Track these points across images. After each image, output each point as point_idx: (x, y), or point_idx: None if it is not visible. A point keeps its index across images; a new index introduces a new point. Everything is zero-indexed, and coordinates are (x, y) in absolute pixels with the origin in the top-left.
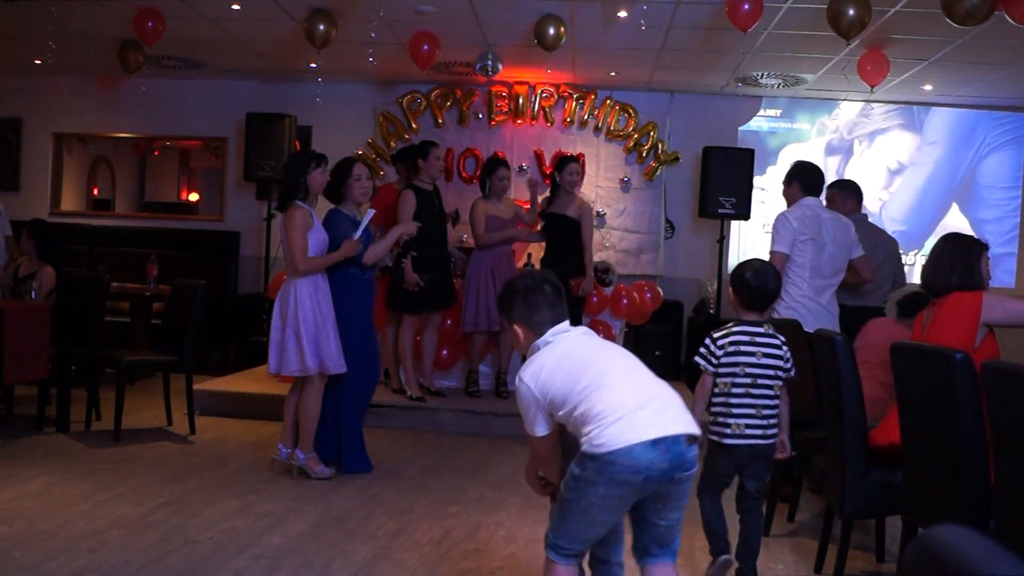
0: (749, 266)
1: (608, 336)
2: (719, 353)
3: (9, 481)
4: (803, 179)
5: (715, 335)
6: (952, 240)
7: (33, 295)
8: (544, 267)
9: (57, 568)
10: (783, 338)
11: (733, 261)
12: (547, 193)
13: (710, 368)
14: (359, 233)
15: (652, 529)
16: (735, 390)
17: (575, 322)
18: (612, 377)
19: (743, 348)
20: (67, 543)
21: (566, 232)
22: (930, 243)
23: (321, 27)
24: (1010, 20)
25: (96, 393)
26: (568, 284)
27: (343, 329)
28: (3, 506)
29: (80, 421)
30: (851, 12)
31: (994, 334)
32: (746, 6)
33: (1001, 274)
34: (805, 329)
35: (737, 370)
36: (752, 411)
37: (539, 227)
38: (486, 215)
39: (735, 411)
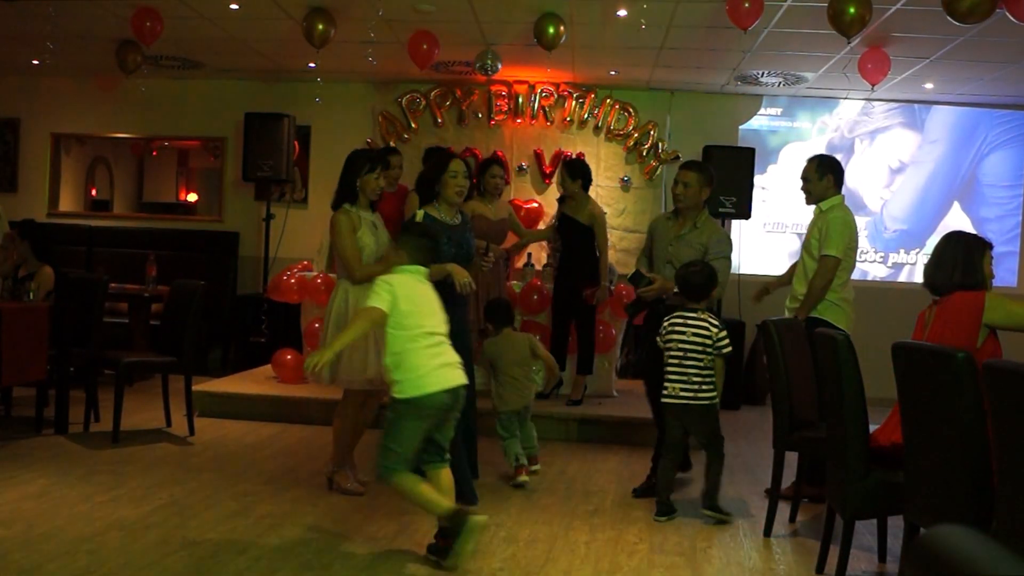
0: (689, 267)
1: (608, 336)
2: (664, 333)
3: (8, 483)
4: (837, 174)
5: (664, 320)
6: (955, 238)
7: (31, 296)
8: (560, 273)
9: (56, 570)
10: (716, 322)
11: (735, 261)
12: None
13: (661, 344)
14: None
15: (434, 445)
16: (672, 361)
17: (588, 329)
18: (427, 343)
19: (677, 328)
20: (66, 545)
21: (579, 237)
22: (932, 242)
23: (320, 26)
24: (1011, 18)
25: (95, 394)
26: (581, 293)
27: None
28: (2, 508)
29: (79, 423)
30: (852, 10)
31: (996, 334)
32: (746, 4)
33: (1003, 273)
34: (839, 327)
35: (672, 345)
36: (684, 378)
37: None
38: (472, 213)
39: (671, 377)
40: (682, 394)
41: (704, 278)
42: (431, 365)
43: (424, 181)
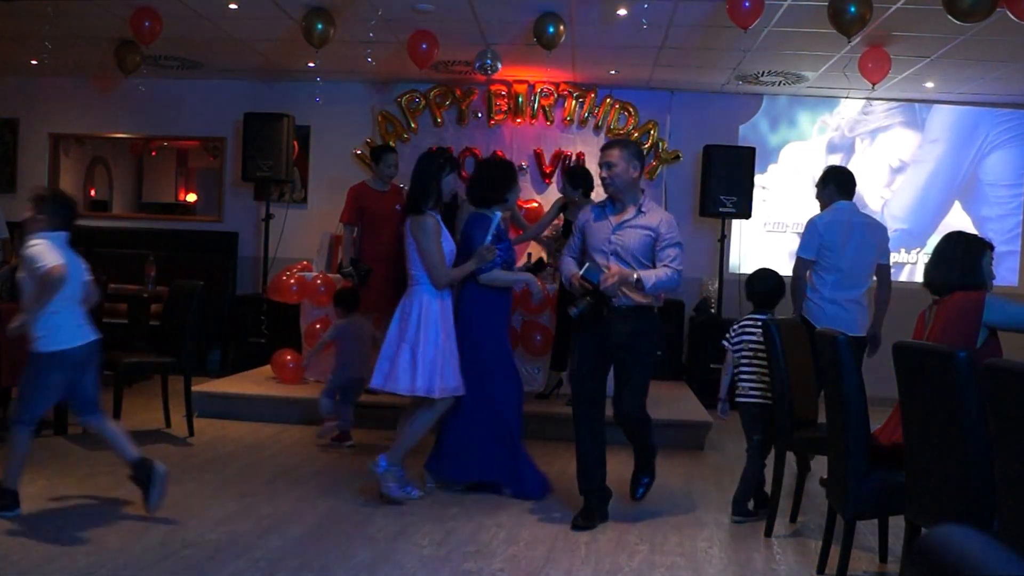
0: (753, 276)
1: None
2: (733, 336)
3: None
4: (839, 182)
5: (734, 325)
6: (955, 238)
7: None
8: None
9: (56, 571)
10: None
11: (734, 260)
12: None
13: (728, 346)
14: (489, 238)
15: (82, 400)
16: (743, 362)
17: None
18: (66, 301)
19: (748, 330)
20: (66, 546)
21: None
22: (932, 241)
23: (319, 26)
24: (1012, 17)
25: None
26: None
27: (486, 346)
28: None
29: (78, 424)
30: (852, 9)
31: (996, 334)
32: (747, 4)
33: (1004, 272)
34: (814, 326)
35: (742, 347)
36: (755, 377)
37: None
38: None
39: (743, 377)
40: (751, 393)
41: (769, 284)
42: (73, 323)
43: (494, 187)
